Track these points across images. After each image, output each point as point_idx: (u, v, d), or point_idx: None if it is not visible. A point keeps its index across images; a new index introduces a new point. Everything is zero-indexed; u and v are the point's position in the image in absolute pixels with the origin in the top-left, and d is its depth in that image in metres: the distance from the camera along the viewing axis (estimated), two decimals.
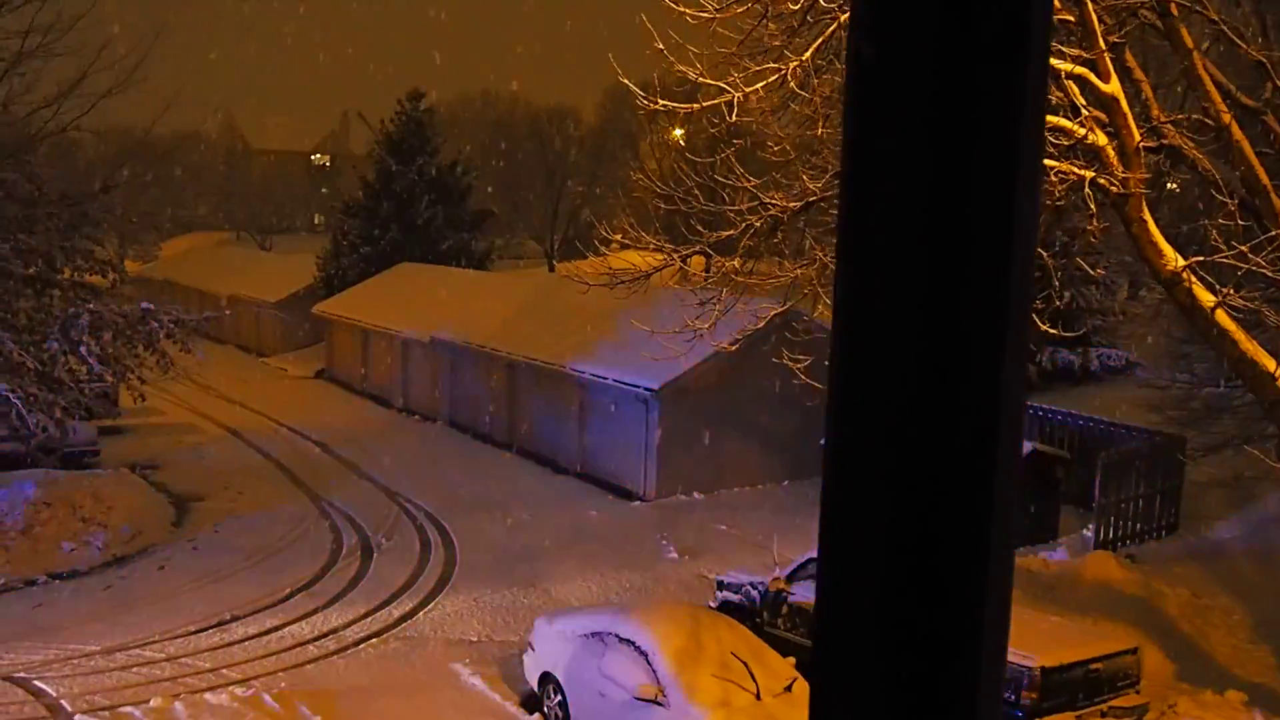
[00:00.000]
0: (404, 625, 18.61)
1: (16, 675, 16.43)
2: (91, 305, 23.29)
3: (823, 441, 1.15)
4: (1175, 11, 12.81)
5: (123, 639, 17.77)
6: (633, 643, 13.69)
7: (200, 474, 28.23)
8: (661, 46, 12.08)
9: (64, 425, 22.99)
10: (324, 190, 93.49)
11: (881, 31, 1.08)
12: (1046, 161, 11.80)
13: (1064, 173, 11.91)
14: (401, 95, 49.62)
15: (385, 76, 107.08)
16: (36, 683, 16.17)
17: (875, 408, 1.11)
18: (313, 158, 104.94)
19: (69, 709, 15.35)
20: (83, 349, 22.89)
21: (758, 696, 12.81)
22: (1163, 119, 13.02)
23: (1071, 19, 11.63)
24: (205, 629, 18.24)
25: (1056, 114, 11.84)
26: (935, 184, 1.07)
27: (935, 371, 1.08)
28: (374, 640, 17.94)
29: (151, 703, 15.06)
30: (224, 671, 16.54)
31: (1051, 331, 14.07)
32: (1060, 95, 11.79)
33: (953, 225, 1.07)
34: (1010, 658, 13.14)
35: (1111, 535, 20.72)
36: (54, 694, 15.80)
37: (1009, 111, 1.07)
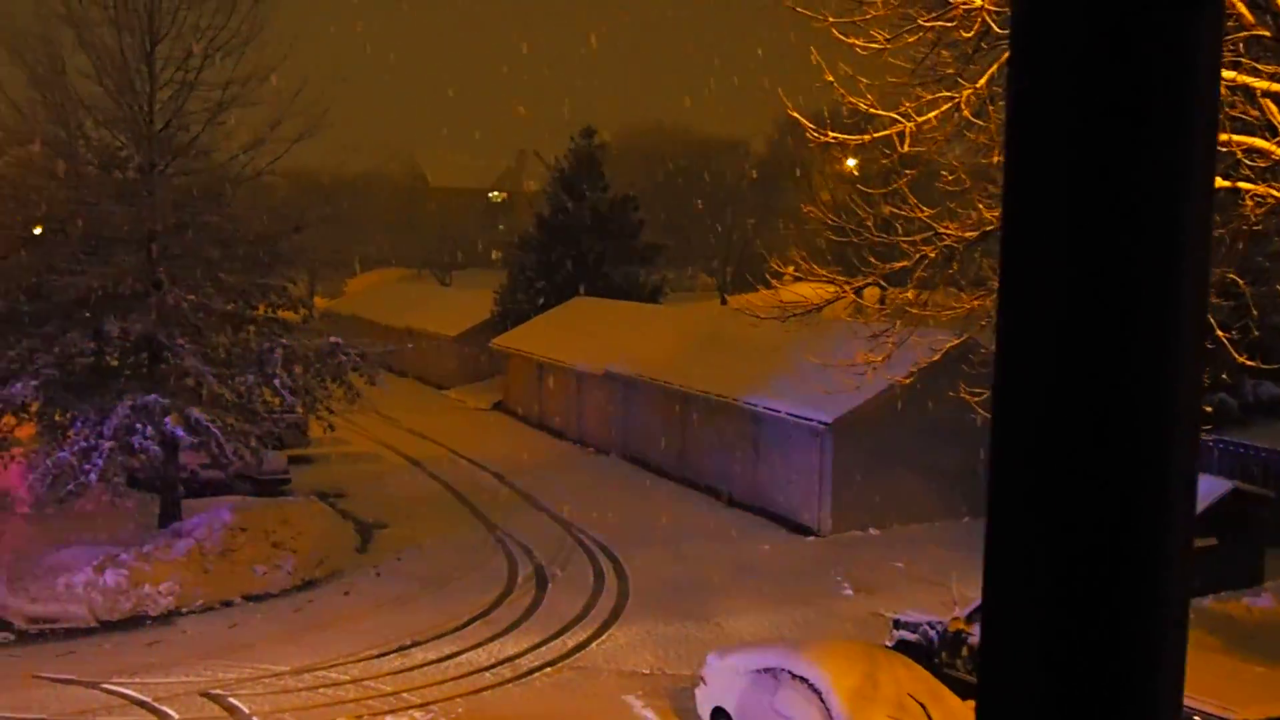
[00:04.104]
0: (577, 655, 18.78)
1: (213, 691, 17.18)
2: (284, 340, 24.32)
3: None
4: None
5: (310, 660, 18.41)
6: (806, 680, 13.53)
7: (383, 502, 29.04)
8: (832, 78, 12.02)
9: (258, 454, 24.01)
10: (500, 226, 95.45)
11: (1037, 63, 1.07)
12: (1241, 185, 11.32)
13: (1260, 195, 11.40)
14: (574, 133, 50.37)
15: (558, 116, 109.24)
16: (230, 699, 16.88)
17: (1039, 439, 1.09)
18: (490, 195, 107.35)
19: None
20: (276, 381, 23.90)
21: None
22: None
23: (1267, 34, 11.13)
24: (387, 653, 18.74)
25: (1253, 134, 11.33)
26: (1097, 215, 1.05)
27: (1100, 402, 1.05)
28: (548, 669, 18.15)
29: None
30: (405, 695, 16.96)
31: (1250, 363, 13.42)
32: (1256, 114, 11.28)
33: (1115, 254, 1.04)
34: (1208, 709, 12.53)
35: None
36: (246, 710, 16.46)
37: (1174, 141, 1.04)
